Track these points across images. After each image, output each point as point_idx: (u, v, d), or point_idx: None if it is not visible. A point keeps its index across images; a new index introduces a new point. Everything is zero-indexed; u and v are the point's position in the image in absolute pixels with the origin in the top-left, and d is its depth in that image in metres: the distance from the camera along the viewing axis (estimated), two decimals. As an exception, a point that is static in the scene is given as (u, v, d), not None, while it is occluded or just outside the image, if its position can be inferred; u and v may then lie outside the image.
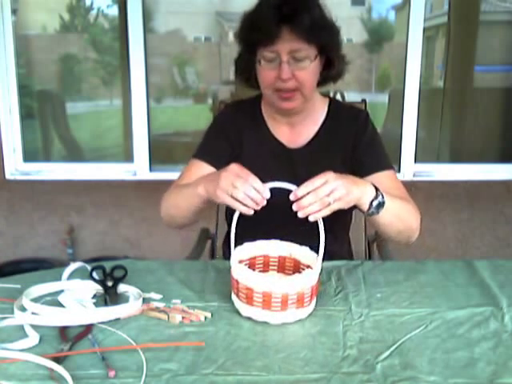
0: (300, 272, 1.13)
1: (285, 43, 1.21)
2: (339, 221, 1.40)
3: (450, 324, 1.01)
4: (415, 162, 2.64)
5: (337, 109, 1.41)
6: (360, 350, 0.92)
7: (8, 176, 2.67)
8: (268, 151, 1.39)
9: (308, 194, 1.00)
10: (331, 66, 1.31)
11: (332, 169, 1.30)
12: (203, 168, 1.33)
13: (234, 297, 1.06)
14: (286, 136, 1.40)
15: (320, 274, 1.05)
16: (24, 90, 2.71)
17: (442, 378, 0.84)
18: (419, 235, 1.30)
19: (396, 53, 3.08)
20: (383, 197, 1.14)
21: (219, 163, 1.26)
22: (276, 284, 1.00)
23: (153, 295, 1.12)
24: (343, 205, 1.05)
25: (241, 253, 1.13)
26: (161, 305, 1.07)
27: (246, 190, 1.00)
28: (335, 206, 1.03)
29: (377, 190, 1.14)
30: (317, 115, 1.40)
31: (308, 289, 1.01)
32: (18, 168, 2.71)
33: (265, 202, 1.01)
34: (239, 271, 1.03)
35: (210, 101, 3.25)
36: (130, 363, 0.87)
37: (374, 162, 1.35)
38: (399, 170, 2.62)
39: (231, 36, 3.47)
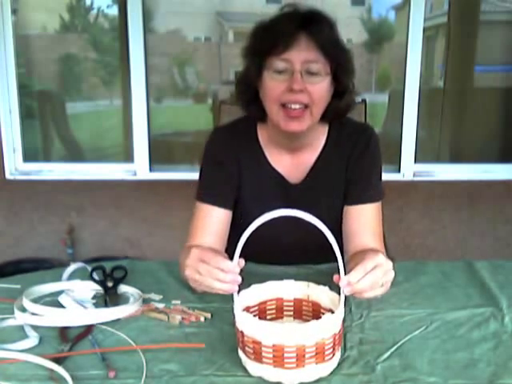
0: (320, 317, 0.87)
1: (300, 52, 1.10)
2: (339, 222, 1.39)
3: (450, 325, 1.01)
4: (415, 162, 2.63)
5: (337, 131, 1.27)
6: (360, 350, 0.92)
7: (8, 176, 2.67)
8: (268, 185, 1.27)
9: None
10: (341, 96, 1.18)
11: (332, 205, 1.25)
12: (211, 211, 1.22)
13: (240, 353, 0.88)
14: (287, 166, 1.27)
15: (344, 320, 0.88)
16: (24, 90, 2.71)
17: (442, 379, 0.84)
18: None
19: (396, 53, 3.08)
20: None
21: (225, 200, 1.23)
22: (288, 334, 0.81)
23: (153, 296, 1.12)
24: (386, 290, 0.95)
25: (247, 297, 0.96)
26: (161, 305, 1.08)
27: (212, 275, 0.89)
28: (383, 290, 0.93)
29: None
30: (317, 142, 1.27)
31: (330, 338, 0.83)
32: (18, 168, 2.70)
33: (239, 279, 0.88)
34: (243, 320, 0.85)
35: (209, 101, 3.25)
36: (130, 364, 0.87)
37: (362, 192, 1.24)
38: (399, 170, 2.63)
39: (231, 36, 3.48)
